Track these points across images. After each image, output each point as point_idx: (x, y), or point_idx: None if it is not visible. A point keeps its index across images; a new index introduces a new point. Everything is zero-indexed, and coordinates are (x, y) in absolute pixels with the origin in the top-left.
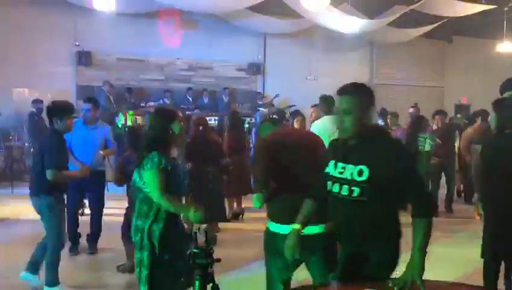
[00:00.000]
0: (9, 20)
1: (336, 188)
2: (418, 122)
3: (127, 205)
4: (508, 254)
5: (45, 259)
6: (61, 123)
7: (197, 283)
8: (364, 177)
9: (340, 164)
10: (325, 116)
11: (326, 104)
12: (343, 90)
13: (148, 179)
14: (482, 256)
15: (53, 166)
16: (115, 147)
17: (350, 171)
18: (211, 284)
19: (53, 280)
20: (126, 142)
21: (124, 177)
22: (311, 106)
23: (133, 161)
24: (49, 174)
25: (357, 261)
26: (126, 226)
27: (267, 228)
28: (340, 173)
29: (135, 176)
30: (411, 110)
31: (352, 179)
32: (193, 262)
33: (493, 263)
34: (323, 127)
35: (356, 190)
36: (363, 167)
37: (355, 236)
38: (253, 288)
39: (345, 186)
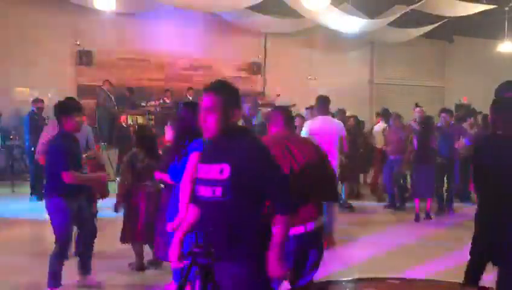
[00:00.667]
0: (9, 20)
1: (201, 190)
2: (428, 123)
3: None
4: (495, 254)
5: (49, 260)
6: (69, 122)
7: (197, 282)
8: (225, 176)
9: (205, 165)
10: (319, 117)
11: (322, 105)
12: (208, 88)
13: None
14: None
15: (67, 168)
16: (93, 148)
17: (213, 170)
18: (211, 284)
19: (53, 282)
20: (135, 140)
21: (131, 174)
22: (305, 108)
23: (140, 158)
24: (65, 177)
25: (224, 264)
26: (124, 226)
27: None
28: (206, 173)
29: (174, 173)
30: (418, 109)
31: (214, 178)
32: (193, 261)
33: (479, 262)
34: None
35: (218, 190)
36: (225, 165)
37: (220, 238)
38: None
39: (209, 187)
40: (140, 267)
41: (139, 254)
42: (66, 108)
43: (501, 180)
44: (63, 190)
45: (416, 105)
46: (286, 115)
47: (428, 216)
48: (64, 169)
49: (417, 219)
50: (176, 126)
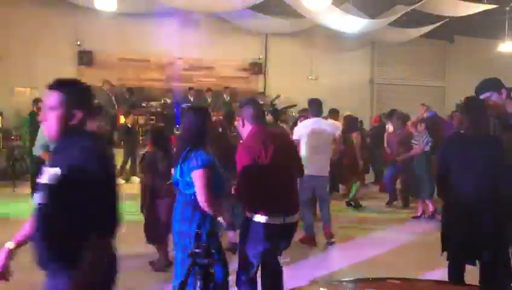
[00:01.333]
0: (10, 20)
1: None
2: (438, 126)
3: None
4: (469, 253)
5: None
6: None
7: (198, 282)
8: (53, 181)
9: (46, 169)
10: (312, 119)
11: (314, 107)
12: (50, 85)
13: (196, 177)
14: (446, 253)
15: None
16: None
17: (47, 174)
18: (212, 284)
19: None
20: (151, 140)
21: (154, 175)
22: (298, 112)
23: (160, 158)
24: None
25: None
26: (151, 227)
27: (252, 220)
28: (42, 178)
29: (176, 174)
30: (426, 110)
31: (45, 182)
32: (194, 262)
33: (458, 263)
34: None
35: (44, 195)
36: (57, 170)
37: (39, 248)
38: None
39: (39, 192)
40: (163, 267)
41: (165, 254)
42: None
43: (467, 179)
44: None
45: (427, 106)
46: (256, 109)
47: (432, 216)
48: None
49: (418, 217)
50: (180, 132)
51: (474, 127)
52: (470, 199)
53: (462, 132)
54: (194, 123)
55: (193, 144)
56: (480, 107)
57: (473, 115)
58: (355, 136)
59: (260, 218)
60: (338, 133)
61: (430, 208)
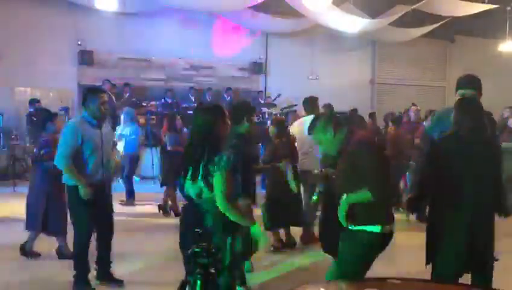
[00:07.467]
0: (11, 20)
1: None
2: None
3: None
4: (480, 264)
5: None
6: (245, 124)
7: (198, 282)
8: None
9: None
10: (305, 117)
11: (309, 106)
12: None
13: (217, 182)
14: (443, 270)
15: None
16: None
17: None
18: (212, 284)
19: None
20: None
21: None
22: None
23: None
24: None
25: None
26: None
27: None
28: None
29: (201, 184)
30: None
31: None
32: (194, 261)
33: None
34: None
35: None
36: None
37: None
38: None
39: None
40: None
41: None
42: (245, 110)
43: (466, 185)
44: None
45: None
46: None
47: None
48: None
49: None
50: (190, 133)
51: (471, 129)
52: (470, 207)
53: (461, 133)
54: (212, 123)
55: (206, 148)
56: (477, 108)
57: (470, 116)
58: None
59: None
60: None
61: None
